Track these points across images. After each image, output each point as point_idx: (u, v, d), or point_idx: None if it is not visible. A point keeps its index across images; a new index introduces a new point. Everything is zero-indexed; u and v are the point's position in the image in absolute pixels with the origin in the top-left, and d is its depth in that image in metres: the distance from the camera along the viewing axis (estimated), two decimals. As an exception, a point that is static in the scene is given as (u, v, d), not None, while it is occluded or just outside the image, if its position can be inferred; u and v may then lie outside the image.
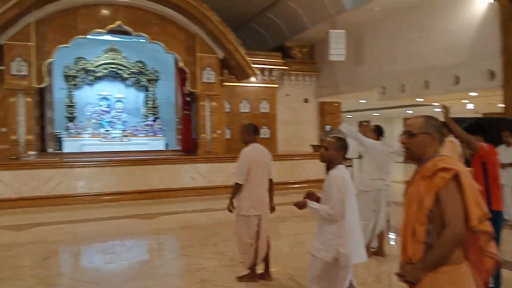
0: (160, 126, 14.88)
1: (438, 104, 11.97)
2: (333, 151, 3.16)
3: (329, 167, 3.21)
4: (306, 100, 16.05)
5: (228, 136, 13.98)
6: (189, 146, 12.73)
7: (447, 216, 1.89)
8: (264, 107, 14.94)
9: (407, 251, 2.02)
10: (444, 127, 2.26)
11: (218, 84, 12.29)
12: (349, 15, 12.55)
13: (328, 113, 16.16)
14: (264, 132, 14.89)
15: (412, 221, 1.99)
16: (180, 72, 12.57)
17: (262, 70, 14.54)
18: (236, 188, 4.35)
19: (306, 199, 3.17)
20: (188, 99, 12.94)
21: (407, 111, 18.20)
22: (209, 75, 12.12)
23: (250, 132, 4.42)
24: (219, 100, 12.53)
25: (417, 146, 2.07)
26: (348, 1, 12.32)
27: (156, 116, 15.27)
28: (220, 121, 12.57)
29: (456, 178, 1.91)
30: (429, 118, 2.11)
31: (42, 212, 8.74)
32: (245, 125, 4.51)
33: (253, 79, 14.01)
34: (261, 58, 14.56)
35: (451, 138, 5.81)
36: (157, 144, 14.46)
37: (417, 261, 1.96)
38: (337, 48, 12.85)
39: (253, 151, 4.39)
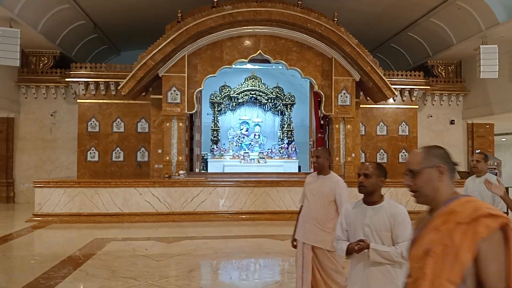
0: (294, 149, 15.19)
1: None
2: (375, 179, 2.63)
3: (369, 200, 2.66)
4: (452, 122, 14.80)
5: (362, 160, 13.60)
6: (323, 169, 12.64)
7: (488, 275, 1.48)
8: (403, 130, 14.19)
9: None
10: None
11: (353, 107, 12.09)
12: (503, 29, 11.30)
13: (478, 136, 14.64)
14: (402, 156, 14.12)
15: (439, 279, 1.53)
16: (315, 96, 12.76)
17: (401, 90, 13.91)
18: None
19: (366, 242, 2.55)
20: (322, 122, 12.97)
21: None
22: (344, 98, 12.02)
23: (330, 158, 3.91)
24: (354, 122, 12.32)
25: (424, 185, 1.68)
26: (501, 14, 11.14)
27: (290, 139, 15.65)
28: (355, 144, 12.31)
29: (504, 229, 1.51)
30: (430, 148, 1.73)
31: (189, 227, 9.57)
32: (324, 149, 3.95)
33: (391, 100, 13.46)
34: (401, 78, 13.96)
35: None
36: (291, 166, 14.73)
37: None
38: (489, 64, 11.65)
39: None
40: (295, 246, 4.02)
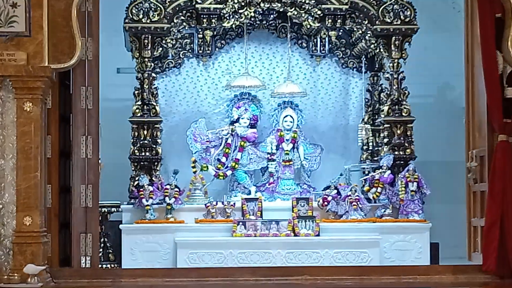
0: (417, 188, 6.12)
1: None
2: None
3: None
4: None
5: None
6: None
7: None
8: None
9: None
10: None
11: None
12: None
13: None
14: None
15: None
16: (483, 6, 4.59)
17: None
18: None
19: None
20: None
21: None
22: None
23: None
24: None
25: None
26: None
27: (401, 153, 6.11)
28: None
29: None
30: None
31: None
32: None
33: None
34: None
35: None
36: (410, 241, 6.61)
37: None
38: None
39: None
40: None
